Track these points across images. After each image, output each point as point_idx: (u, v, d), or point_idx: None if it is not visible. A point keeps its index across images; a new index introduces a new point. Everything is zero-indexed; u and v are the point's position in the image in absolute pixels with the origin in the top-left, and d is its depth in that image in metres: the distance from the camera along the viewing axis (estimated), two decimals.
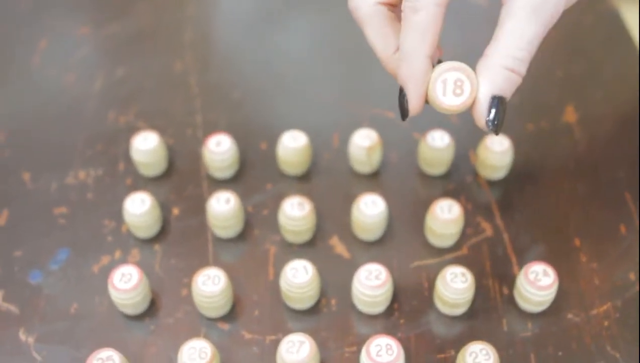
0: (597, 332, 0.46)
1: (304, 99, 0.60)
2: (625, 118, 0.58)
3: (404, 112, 0.39)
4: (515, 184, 0.53)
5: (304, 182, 0.54)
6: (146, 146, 0.52)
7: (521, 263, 0.49)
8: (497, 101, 0.38)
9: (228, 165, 0.53)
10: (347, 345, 0.45)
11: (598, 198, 0.53)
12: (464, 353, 0.42)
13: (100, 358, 0.42)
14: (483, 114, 0.38)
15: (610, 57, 0.63)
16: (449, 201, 0.49)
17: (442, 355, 0.45)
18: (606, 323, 0.46)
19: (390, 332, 0.46)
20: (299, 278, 0.45)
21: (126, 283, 0.45)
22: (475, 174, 0.54)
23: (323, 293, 0.48)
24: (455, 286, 0.45)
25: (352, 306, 0.47)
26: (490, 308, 0.47)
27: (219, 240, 0.51)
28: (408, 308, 0.47)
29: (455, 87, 0.38)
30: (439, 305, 0.46)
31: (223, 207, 0.49)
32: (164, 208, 0.52)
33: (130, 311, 0.46)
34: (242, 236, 0.51)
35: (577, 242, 0.50)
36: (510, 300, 0.47)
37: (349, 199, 0.51)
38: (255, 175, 0.54)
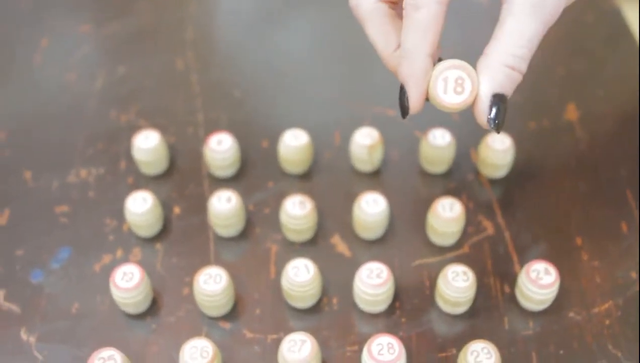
0: (599, 331, 0.46)
1: (305, 98, 0.60)
2: (627, 116, 0.58)
3: (404, 110, 0.39)
4: (516, 183, 0.53)
5: (305, 181, 0.54)
6: (147, 145, 0.52)
7: (522, 262, 0.49)
8: (498, 99, 0.38)
9: (229, 164, 0.53)
10: (348, 344, 0.45)
11: (599, 196, 0.53)
12: (465, 351, 0.42)
13: (101, 357, 0.42)
14: (484, 112, 0.38)
15: (612, 55, 0.63)
16: (451, 200, 0.49)
17: (444, 354, 0.45)
18: (607, 322, 0.46)
19: (391, 330, 0.46)
20: (300, 276, 0.45)
21: (128, 282, 0.45)
22: (477, 173, 0.54)
23: (324, 292, 0.48)
24: (456, 284, 0.45)
25: (354, 305, 0.47)
26: (492, 307, 0.47)
27: (220, 239, 0.51)
28: (409, 306, 0.47)
29: (456, 86, 0.38)
30: (441, 303, 0.46)
31: (224, 206, 0.49)
32: (165, 206, 0.52)
33: (131, 310, 0.46)
34: (244, 234, 0.51)
35: (578, 240, 0.50)
36: (512, 299, 0.47)
37: (350, 198, 0.51)
38: (257, 174, 0.54)
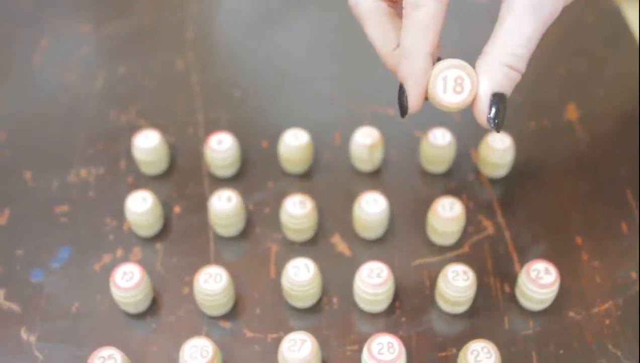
0: (599, 330, 0.46)
1: (305, 98, 0.60)
2: (627, 116, 0.58)
3: (403, 109, 0.39)
4: (516, 182, 0.53)
5: (305, 180, 0.54)
6: (147, 145, 0.52)
7: (522, 261, 0.49)
8: (498, 98, 0.38)
9: (229, 163, 0.53)
10: (348, 344, 0.45)
11: (599, 196, 0.53)
12: (465, 351, 0.42)
13: (101, 356, 0.42)
14: (484, 111, 0.38)
15: (612, 55, 0.63)
16: (451, 199, 0.49)
17: (444, 353, 0.45)
18: (607, 322, 0.46)
19: (391, 330, 0.46)
20: (300, 276, 0.45)
21: (128, 282, 0.45)
22: (477, 172, 0.54)
23: (324, 292, 0.48)
24: (456, 284, 0.45)
25: (354, 305, 0.47)
26: (492, 306, 0.47)
27: (220, 238, 0.51)
28: (409, 306, 0.47)
29: (456, 85, 0.38)
30: (441, 303, 0.46)
31: (224, 205, 0.49)
32: (166, 206, 0.52)
33: (131, 309, 0.46)
34: (244, 234, 0.51)
35: (578, 240, 0.50)
36: (512, 298, 0.47)
37: (351, 198, 0.51)
38: (257, 173, 0.54)
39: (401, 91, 0.39)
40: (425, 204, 0.50)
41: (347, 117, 0.57)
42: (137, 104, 0.59)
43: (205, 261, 0.49)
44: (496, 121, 0.38)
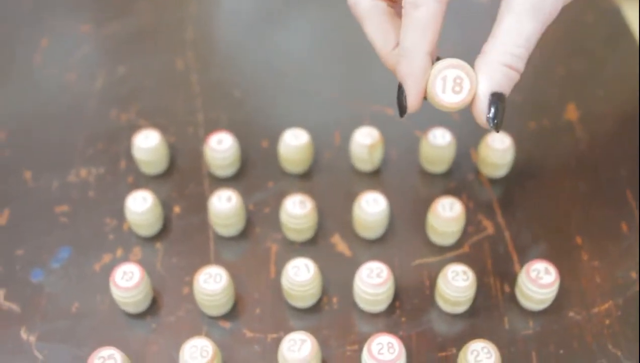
0: (599, 330, 0.46)
1: (305, 97, 0.60)
2: (627, 116, 0.58)
3: (402, 109, 0.39)
4: (516, 182, 0.53)
5: (305, 180, 0.54)
6: (147, 144, 0.52)
7: (522, 261, 0.49)
8: (497, 98, 0.37)
9: (229, 163, 0.53)
10: (348, 344, 0.45)
11: (599, 196, 0.52)
12: (465, 351, 0.42)
13: (101, 356, 0.42)
14: (483, 111, 0.38)
15: (612, 55, 0.63)
16: (451, 199, 0.49)
17: (444, 353, 0.45)
18: (607, 322, 0.46)
19: (391, 330, 0.46)
20: (300, 276, 0.45)
21: (128, 282, 0.45)
22: (477, 172, 0.54)
23: (324, 292, 0.48)
24: (456, 284, 0.45)
25: (354, 305, 0.47)
26: (492, 306, 0.47)
27: (220, 238, 0.51)
28: (409, 306, 0.47)
29: (455, 85, 0.38)
30: (441, 303, 0.46)
31: (224, 205, 0.49)
32: (166, 206, 0.52)
33: (131, 309, 0.46)
34: (244, 234, 0.51)
35: (578, 240, 0.50)
36: (512, 298, 0.47)
37: (351, 197, 0.51)
38: (257, 173, 0.54)
39: (400, 90, 0.39)
40: (425, 204, 0.50)
41: (347, 117, 0.57)
42: (137, 104, 0.59)
43: (205, 261, 0.49)
44: (495, 120, 0.38)
